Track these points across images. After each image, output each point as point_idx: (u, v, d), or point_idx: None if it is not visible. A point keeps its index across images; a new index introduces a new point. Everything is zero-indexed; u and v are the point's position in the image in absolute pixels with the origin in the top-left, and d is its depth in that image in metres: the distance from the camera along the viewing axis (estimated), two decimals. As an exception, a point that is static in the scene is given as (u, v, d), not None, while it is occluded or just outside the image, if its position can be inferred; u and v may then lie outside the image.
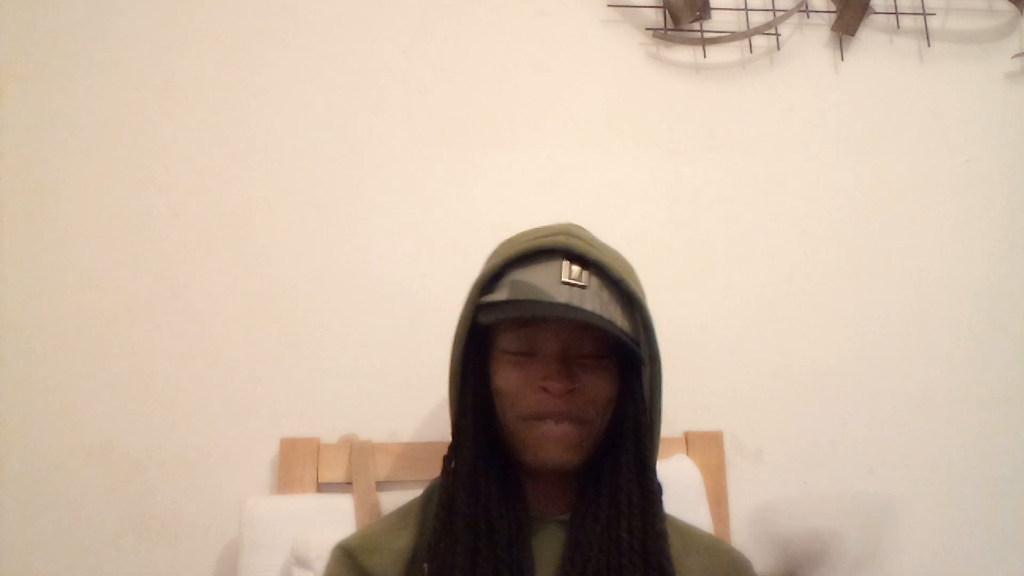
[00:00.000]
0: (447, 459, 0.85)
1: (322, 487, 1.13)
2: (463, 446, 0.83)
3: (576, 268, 0.81)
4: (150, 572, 1.12)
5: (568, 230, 0.86)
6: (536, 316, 0.80)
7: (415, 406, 1.19)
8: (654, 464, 0.84)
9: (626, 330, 0.80)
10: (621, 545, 0.78)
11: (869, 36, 1.43)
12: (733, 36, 1.38)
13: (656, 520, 0.80)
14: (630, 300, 0.83)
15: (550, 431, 0.80)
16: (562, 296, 0.78)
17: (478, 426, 0.83)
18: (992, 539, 1.27)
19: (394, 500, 1.06)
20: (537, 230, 0.87)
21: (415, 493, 0.91)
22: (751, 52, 1.40)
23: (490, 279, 0.84)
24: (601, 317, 0.78)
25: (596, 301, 0.79)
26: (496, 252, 0.89)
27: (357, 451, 1.12)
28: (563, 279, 0.79)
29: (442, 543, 0.79)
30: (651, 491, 0.82)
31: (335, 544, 0.86)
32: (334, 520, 1.05)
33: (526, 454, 0.82)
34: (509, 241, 0.89)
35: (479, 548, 0.77)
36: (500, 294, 0.81)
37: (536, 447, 0.81)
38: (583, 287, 0.79)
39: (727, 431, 1.24)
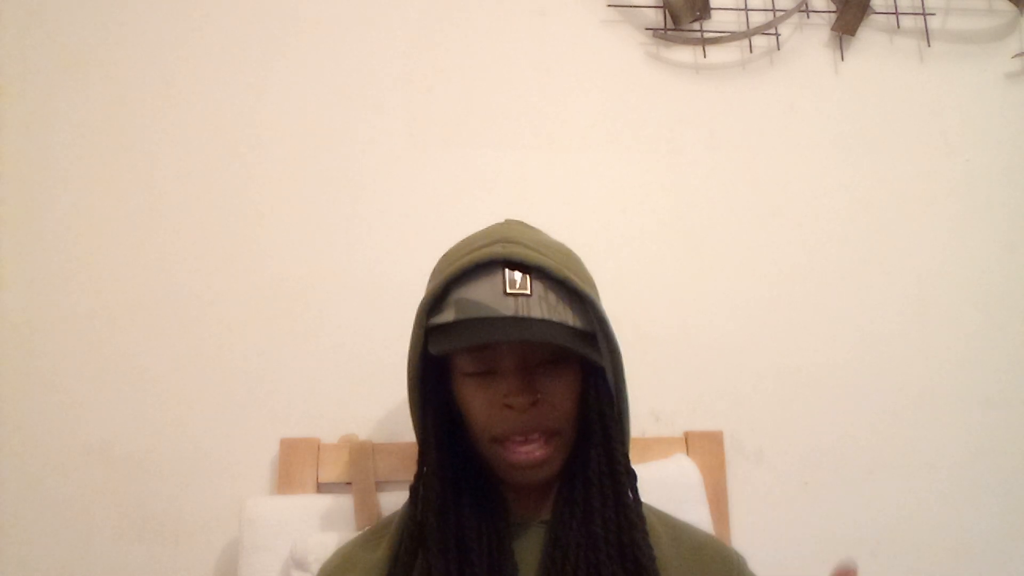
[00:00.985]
0: (413, 488, 0.85)
1: (322, 487, 1.13)
2: (430, 474, 0.82)
3: (518, 275, 0.79)
4: (150, 572, 1.12)
5: (505, 235, 0.83)
6: (487, 343, 0.78)
7: (415, 406, 1.19)
8: (624, 454, 0.83)
9: (579, 327, 0.79)
10: (597, 540, 0.78)
11: (869, 36, 1.43)
12: (733, 36, 1.38)
13: (628, 510, 0.80)
14: (580, 296, 0.81)
15: (521, 453, 0.80)
16: (508, 309, 0.77)
17: (442, 449, 0.82)
18: (992, 539, 1.26)
19: (394, 500, 1.06)
20: (473, 239, 0.86)
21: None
22: (751, 52, 1.40)
23: (434, 300, 0.82)
24: (551, 323, 0.77)
25: (543, 306, 0.78)
26: (436, 270, 0.87)
27: (357, 451, 1.12)
28: (507, 291, 0.78)
29: (413, 571, 0.79)
30: (621, 482, 0.81)
31: (319, 568, 0.88)
32: (334, 521, 1.05)
33: (500, 472, 0.83)
34: (447, 256, 0.87)
35: (451, 570, 0.77)
36: (447, 315, 0.79)
37: (510, 469, 0.81)
38: (528, 295, 0.78)
39: (727, 431, 1.23)
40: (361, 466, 1.10)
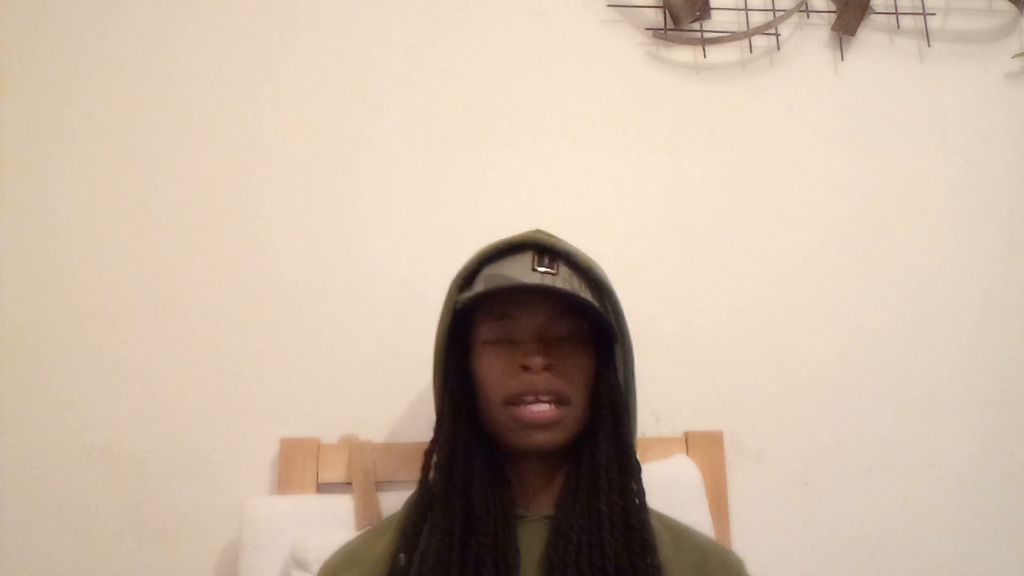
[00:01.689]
0: (427, 452, 0.88)
1: (322, 487, 1.13)
2: (444, 441, 0.86)
3: (546, 258, 0.86)
4: (150, 572, 1.12)
5: (536, 231, 0.92)
6: (510, 287, 0.83)
7: (415, 406, 1.19)
8: (632, 442, 0.87)
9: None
10: (601, 519, 0.80)
11: (869, 36, 1.43)
12: (733, 36, 1.38)
13: (634, 494, 0.83)
14: (599, 287, 0.88)
15: (533, 411, 0.82)
16: (535, 281, 0.83)
17: (457, 418, 0.86)
18: (992, 539, 1.26)
19: (394, 500, 1.06)
20: (508, 237, 0.92)
21: (415, 493, 0.92)
22: (751, 52, 1.40)
23: (466, 279, 0.89)
24: (574, 294, 0.82)
25: (567, 285, 0.83)
26: (471, 257, 0.93)
27: (357, 451, 1.12)
28: (535, 267, 0.84)
29: (420, 536, 0.82)
30: (629, 467, 0.84)
31: (321, 565, 0.89)
32: (334, 521, 1.05)
33: (510, 437, 0.85)
34: (479, 250, 0.93)
35: (453, 540, 0.79)
36: (477, 288, 0.86)
37: (520, 430, 0.83)
38: (554, 274, 0.84)
39: (727, 431, 1.23)
40: (361, 466, 1.10)
